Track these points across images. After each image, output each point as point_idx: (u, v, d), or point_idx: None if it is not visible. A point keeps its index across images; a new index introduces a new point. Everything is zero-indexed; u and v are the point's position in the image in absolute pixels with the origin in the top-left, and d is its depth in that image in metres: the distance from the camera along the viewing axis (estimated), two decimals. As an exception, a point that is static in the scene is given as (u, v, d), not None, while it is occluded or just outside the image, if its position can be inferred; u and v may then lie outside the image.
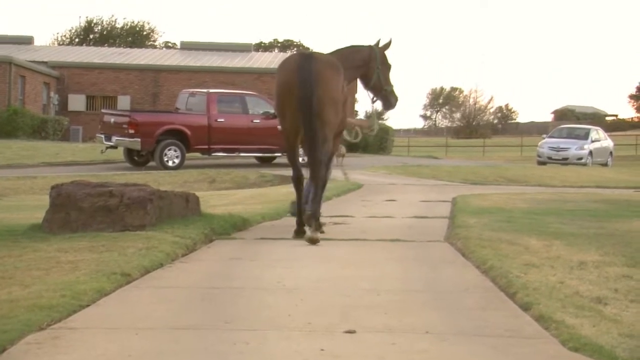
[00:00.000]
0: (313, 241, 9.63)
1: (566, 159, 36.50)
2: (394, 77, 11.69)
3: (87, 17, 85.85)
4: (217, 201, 15.08)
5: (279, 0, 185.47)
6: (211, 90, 30.32)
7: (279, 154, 28.41)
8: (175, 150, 27.52)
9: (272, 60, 51.95)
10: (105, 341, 5.17)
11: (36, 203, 14.41)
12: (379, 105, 11.71)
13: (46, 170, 26.79)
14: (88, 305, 6.09)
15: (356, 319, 5.82)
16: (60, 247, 8.36)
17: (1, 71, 43.43)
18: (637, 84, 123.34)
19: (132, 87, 50.04)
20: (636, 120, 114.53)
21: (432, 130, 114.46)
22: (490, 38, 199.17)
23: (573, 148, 37.03)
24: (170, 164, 27.27)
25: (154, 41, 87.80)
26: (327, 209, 11.83)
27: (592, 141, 37.92)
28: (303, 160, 10.45)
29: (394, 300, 6.55)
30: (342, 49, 11.16)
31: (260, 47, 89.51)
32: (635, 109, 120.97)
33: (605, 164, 37.87)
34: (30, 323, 5.39)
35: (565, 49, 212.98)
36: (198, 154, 29.08)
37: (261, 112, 28.34)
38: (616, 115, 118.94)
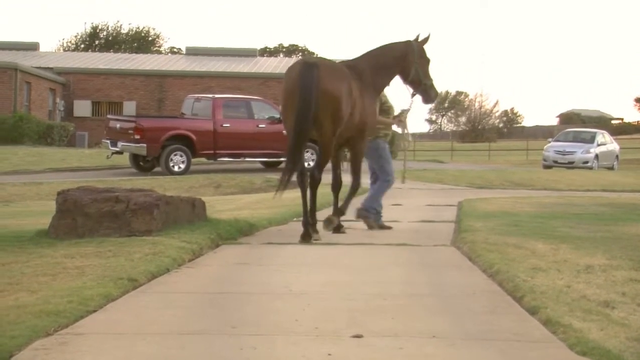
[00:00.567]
0: (329, 222, 10.72)
1: (572, 162, 36.47)
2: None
3: (92, 23, 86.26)
4: (223, 206, 15.09)
5: (284, 5, 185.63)
6: (217, 96, 30.38)
7: (284, 159, 28.41)
8: (181, 156, 27.57)
9: (278, 65, 52.02)
10: (112, 347, 5.17)
11: (42, 209, 14.44)
12: (417, 101, 11.85)
13: (52, 176, 26.85)
14: (95, 311, 6.09)
15: (363, 324, 5.81)
16: (67, 253, 8.36)
17: (7, 77, 43.55)
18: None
19: (137, 93, 50.13)
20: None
21: (437, 135, 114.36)
22: (495, 41, 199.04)
23: (579, 152, 37.00)
24: (176, 169, 27.31)
25: (160, 47, 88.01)
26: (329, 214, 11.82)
27: (598, 145, 37.88)
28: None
29: (400, 305, 6.54)
30: (372, 50, 11.40)
31: (266, 52, 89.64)
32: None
33: (611, 168, 37.83)
34: (37, 329, 5.39)
35: (570, 52, 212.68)
36: (204, 159, 29.12)
37: (267, 117, 28.36)
38: (622, 119, 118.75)
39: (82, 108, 49.81)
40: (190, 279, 7.69)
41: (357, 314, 6.14)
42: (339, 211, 11.12)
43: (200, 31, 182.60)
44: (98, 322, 5.81)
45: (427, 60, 11.56)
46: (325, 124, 10.18)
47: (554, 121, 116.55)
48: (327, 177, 10.99)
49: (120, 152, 28.33)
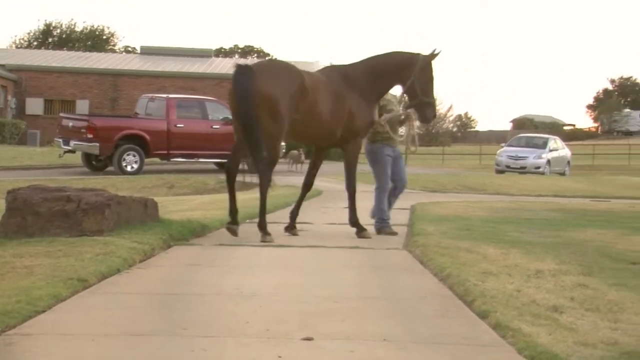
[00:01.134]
0: (362, 236, 11.13)
1: (524, 167, 36.75)
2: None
3: (46, 20, 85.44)
4: (175, 207, 14.99)
5: (240, 6, 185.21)
6: (171, 96, 30.23)
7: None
8: (134, 156, 27.39)
9: (233, 66, 51.84)
10: (60, 347, 5.12)
11: (-8, 207, 14.23)
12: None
13: (2, 175, 26.49)
14: (44, 311, 6.02)
15: (314, 327, 5.81)
16: (16, 252, 8.26)
17: (-43, 73, 42.97)
18: (595, 95, 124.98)
19: (91, 92, 49.75)
20: (593, 130, 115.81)
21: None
22: (449, 45, 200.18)
23: (531, 157, 37.30)
24: (128, 169, 27.12)
25: (114, 45, 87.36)
26: (285, 216, 11.82)
27: (550, 150, 38.21)
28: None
29: (352, 308, 6.55)
30: (374, 56, 11.50)
31: (221, 52, 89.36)
32: (593, 119, 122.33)
33: (562, 173, 38.20)
34: (-16, 329, 5.33)
35: (524, 58, 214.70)
36: (157, 159, 28.95)
37: (221, 117, 28.24)
38: (574, 125, 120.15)
39: (34, 106, 49.30)
40: (141, 280, 7.63)
41: (308, 317, 6.13)
42: (353, 223, 11.40)
43: (155, 31, 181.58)
44: (47, 323, 5.75)
45: (429, 78, 11.33)
46: (264, 123, 10.28)
47: (507, 126, 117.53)
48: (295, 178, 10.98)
49: (72, 151, 28.08)
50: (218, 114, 28.54)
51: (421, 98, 11.28)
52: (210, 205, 15.89)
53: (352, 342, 5.44)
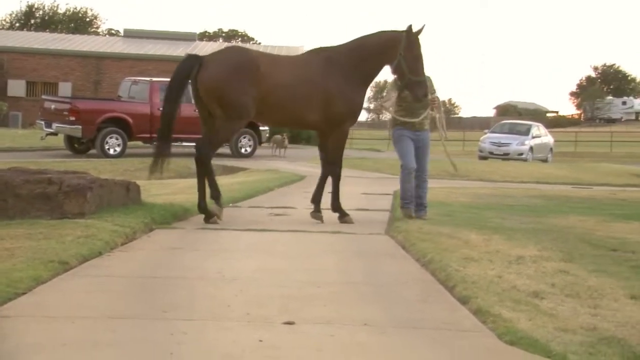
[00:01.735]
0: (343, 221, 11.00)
1: (507, 154, 36.79)
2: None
3: (28, 2, 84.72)
4: (158, 190, 14.97)
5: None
6: (154, 79, 30.06)
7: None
8: (116, 139, 27.28)
9: (216, 50, 51.64)
10: (39, 330, 5.10)
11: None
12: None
13: (-16, 156, 26.34)
14: (24, 293, 6.01)
15: (295, 311, 5.81)
16: (-3, 234, 8.22)
17: (-62, 55, 42.63)
18: (578, 82, 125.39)
19: (73, 74, 49.47)
20: (576, 117, 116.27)
21: (375, 124, 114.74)
22: (435, 32, 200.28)
23: (514, 143, 37.33)
24: (111, 152, 27.01)
25: (97, 28, 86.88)
26: (268, 200, 11.83)
27: (533, 137, 38.26)
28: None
29: (333, 292, 6.56)
30: (360, 37, 11.21)
31: (205, 36, 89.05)
32: (576, 106, 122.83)
33: (545, 160, 38.26)
34: (-37, 311, 5.30)
35: (508, 45, 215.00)
36: (140, 143, 28.83)
37: (204, 101, 28.10)
38: (557, 112, 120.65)
39: (16, 88, 49.00)
40: (123, 263, 7.61)
41: (289, 301, 6.13)
42: (335, 209, 11.25)
43: (139, 14, 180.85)
44: (26, 305, 5.73)
45: (416, 55, 10.88)
46: (212, 109, 10.80)
47: (490, 113, 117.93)
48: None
49: (54, 134, 27.94)
50: (201, 98, 28.38)
51: (409, 77, 10.88)
52: (192, 189, 15.79)
53: (333, 326, 5.44)
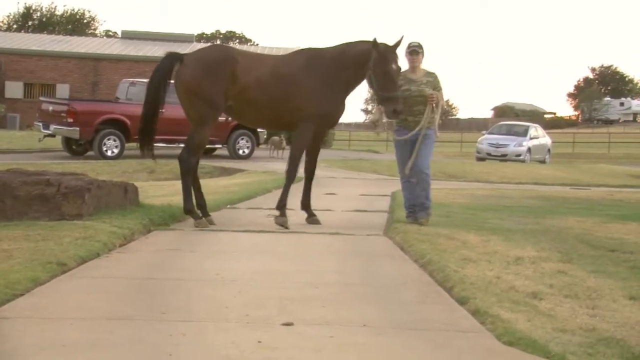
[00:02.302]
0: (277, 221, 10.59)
1: (505, 155, 36.81)
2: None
3: (25, 3, 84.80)
4: (156, 192, 14.97)
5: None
6: (152, 81, 30.01)
7: (219, 146, 28.43)
8: (114, 140, 27.27)
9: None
10: (38, 331, 5.09)
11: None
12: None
13: (-18, 158, 26.34)
14: (22, 295, 6.00)
15: (294, 312, 5.81)
16: (-5, 236, 8.21)
17: (-64, 56, 42.58)
18: (575, 83, 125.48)
19: (71, 76, 49.45)
20: (574, 118, 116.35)
21: (373, 125, 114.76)
22: (433, 33, 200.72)
23: (512, 145, 37.35)
24: (109, 153, 27.00)
25: (95, 30, 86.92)
26: (266, 201, 11.82)
27: (531, 138, 38.28)
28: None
29: (332, 293, 6.55)
30: (346, 43, 10.83)
31: (203, 37, 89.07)
32: (573, 107, 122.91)
33: (543, 161, 38.28)
34: (-39, 312, 5.29)
35: (506, 46, 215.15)
36: (137, 144, 28.80)
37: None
38: (554, 113, 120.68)
39: (14, 89, 48.97)
40: (121, 264, 7.61)
41: (288, 302, 6.13)
42: (279, 207, 10.78)
43: (137, 15, 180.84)
44: (25, 306, 5.72)
45: (385, 70, 10.24)
46: (185, 109, 10.99)
47: (488, 114, 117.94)
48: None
49: (52, 135, 27.93)
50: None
51: (379, 93, 10.33)
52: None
53: (331, 327, 5.44)
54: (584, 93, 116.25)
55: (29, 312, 5.58)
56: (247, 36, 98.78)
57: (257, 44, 78.76)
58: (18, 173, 10.03)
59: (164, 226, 10.22)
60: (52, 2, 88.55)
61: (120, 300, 6.10)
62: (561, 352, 4.96)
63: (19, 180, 9.61)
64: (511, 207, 13.84)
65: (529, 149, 37.58)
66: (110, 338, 5.02)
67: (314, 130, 10.83)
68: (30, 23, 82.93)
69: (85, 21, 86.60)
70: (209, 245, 8.98)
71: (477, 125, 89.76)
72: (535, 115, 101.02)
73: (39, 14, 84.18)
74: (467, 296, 6.31)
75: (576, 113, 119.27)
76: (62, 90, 48.39)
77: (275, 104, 10.65)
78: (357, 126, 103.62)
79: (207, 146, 28.79)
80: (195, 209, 10.71)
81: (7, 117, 45.47)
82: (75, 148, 28.28)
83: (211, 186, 16.69)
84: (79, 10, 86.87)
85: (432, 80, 10.81)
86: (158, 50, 50.67)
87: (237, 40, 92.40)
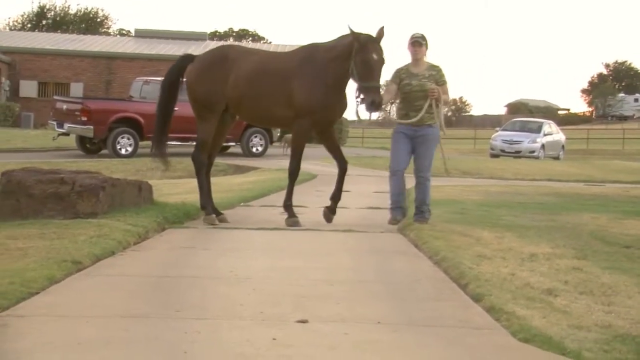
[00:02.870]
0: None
1: (519, 152, 36.72)
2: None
3: (39, 3, 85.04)
4: (170, 190, 15.01)
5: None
6: (165, 79, 30.06)
7: (233, 144, 28.42)
8: (128, 139, 27.34)
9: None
10: (54, 329, 5.11)
11: (-14, 190, 14.18)
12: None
13: (-4, 157, 26.43)
14: (37, 293, 6.02)
15: (308, 309, 5.81)
16: (10, 234, 8.25)
17: (-49, 56, 42.76)
18: (589, 79, 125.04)
19: (85, 74, 49.60)
20: (588, 114, 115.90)
21: (386, 122, 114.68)
22: (445, 30, 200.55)
23: (526, 141, 37.25)
24: (123, 152, 27.07)
25: (108, 28, 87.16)
26: (280, 199, 11.80)
27: (545, 135, 38.16)
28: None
29: (346, 291, 6.55)
30: (336, 38, 10.71)
31: (216, 36, 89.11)
32: (587, 103, 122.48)
33: (557, 158, 38.17)
34: (-23, 310, 5.31)
35: (519, 43, 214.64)
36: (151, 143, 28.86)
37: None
38: (568, 110, 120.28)
39: (28, 88, 49.15)
40: (136, 262, 7.62)
41: (302, 299, 6.13)
42: (286, 207, 10.79)
43: (150, 13, 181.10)
44: (40, 305, 5.74)
45: (365, 59, 10.06)
46: (192, 108, 11.39)
47: (502, 110, 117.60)
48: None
49: (66, 134, 28.02)
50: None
51: (359, 82, 10.16)
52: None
53: (346, 324, 5.44)
54: (598, 89, 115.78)
55: (44, 310, 5.60)
56: (260, 34, 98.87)
57: (270, 42, 78.73)
58: (33, 172, 10.06)
59: (178, 224, 10.25)
60: (66, 1, 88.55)
61: (135, 298, 6.11)
62: (577, 349, 4.95)
63: (34, 179, 9.64)
64: (525, 203, 13.81)
65: (543, 146, 37.47)
66: (125, 336, 5.03)
67: (313, 127, 10.78)
68: (44, 22, 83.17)
69: (98, 20, 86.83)
70: (223, 243, 8.99)
71: (490, 122, 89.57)
72: (549, 112, 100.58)
73: (52, 13, 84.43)
74: (482, 293, 6.29)
75: (590, 109, 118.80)
76: (76, 89, 48.55)
77: (266, 98, 10.66)
78: (371, 124, 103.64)
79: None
80: (210, 205, 10.75)
81: (21, 116, 45.62)
82: (89, 146, 28.36)
83: (225, 184, 16.72)
84: (92, 9, 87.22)
85: (435, 74, 10.51)
86: (171, 49, 50.82)
87: (250, 39, 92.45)
